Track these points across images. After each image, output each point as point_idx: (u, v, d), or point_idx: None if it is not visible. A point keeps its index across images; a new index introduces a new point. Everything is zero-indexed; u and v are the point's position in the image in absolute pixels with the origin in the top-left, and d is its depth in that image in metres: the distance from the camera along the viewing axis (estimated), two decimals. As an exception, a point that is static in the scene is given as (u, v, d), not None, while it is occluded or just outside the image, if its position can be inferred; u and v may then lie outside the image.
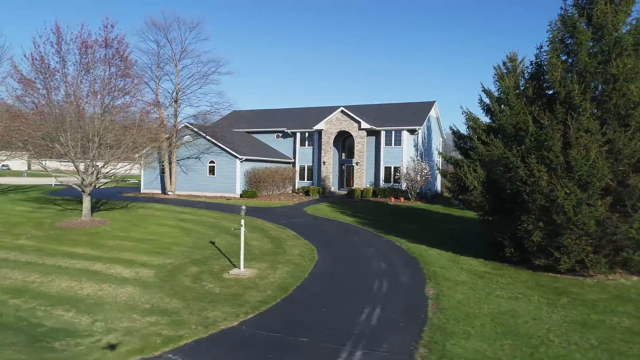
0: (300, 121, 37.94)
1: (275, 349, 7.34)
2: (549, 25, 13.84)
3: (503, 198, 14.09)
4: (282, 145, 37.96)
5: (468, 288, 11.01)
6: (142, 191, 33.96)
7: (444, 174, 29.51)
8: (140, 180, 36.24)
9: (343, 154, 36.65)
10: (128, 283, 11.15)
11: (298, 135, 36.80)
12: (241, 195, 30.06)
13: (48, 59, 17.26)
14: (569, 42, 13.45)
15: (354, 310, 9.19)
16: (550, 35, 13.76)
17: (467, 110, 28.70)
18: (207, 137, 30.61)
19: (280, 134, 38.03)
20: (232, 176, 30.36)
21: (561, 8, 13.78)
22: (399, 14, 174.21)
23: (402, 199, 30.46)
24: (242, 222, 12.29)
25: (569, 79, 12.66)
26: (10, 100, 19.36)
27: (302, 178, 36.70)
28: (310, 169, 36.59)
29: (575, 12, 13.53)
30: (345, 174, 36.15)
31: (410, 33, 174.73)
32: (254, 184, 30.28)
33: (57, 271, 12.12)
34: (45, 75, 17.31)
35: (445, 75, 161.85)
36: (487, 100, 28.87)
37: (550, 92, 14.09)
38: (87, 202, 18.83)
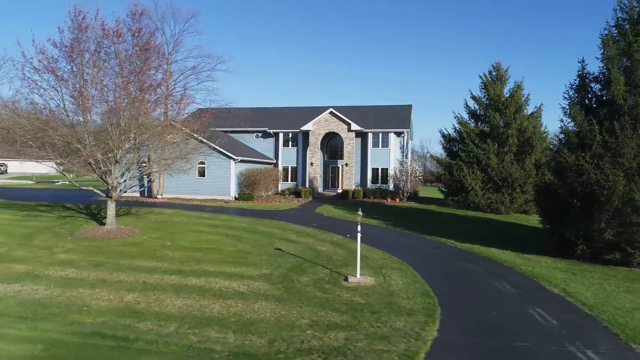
0: (282, 121, 37.17)
1: (508, 350, 7.33)
2: (602, 40, 15.20)
3: (562, 200, 15.26)
4: (261, 146, 36.87)
5: (583, 286, 11.75)
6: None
7: (437, 176, 30.92)
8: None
9: (326, 154, 36.64)
10: (253, 297, 10.25)
11: (281, 135, 36.01)
12: (237, 198, 28.71)
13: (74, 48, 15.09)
14: (625, 60, 14.92)
15: (517, 309, 9.43)
16: (604, 51, 15.16)
17: (458, 115, 30.42)
18: (199, 137, 28.71)
19: (260, 134, 36.91)
20: (226, 178, 28.85)
21: (612, 26, 15.23)
22: (374, 15, 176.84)
23: (397, 200, 31.30)
24: (359, 227, 11.90)
25: (635, 93, 14.07)
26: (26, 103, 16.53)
27: (285, 179, 35.99)
28: (294, 170, 36.02)
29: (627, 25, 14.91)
30: (331, 174, 36.19)
31: (383, 36, 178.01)
32: (249, 186, 29.09)
33: (152, 288, 10.75)
34: (75, 66, 15.11)
35: (418, 79, 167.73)
36: (474, 107, 30.79)
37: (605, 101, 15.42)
38: (112, 208, 16.76)
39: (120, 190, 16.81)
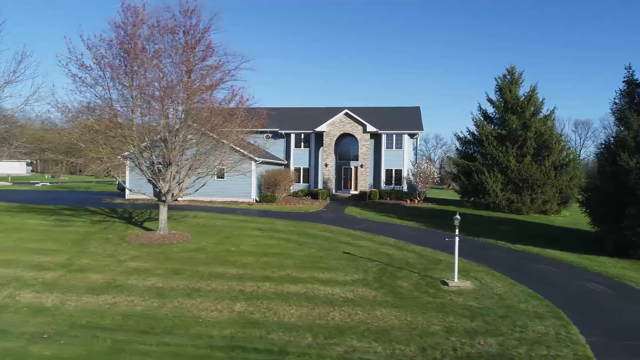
0: (292, 122, 36.67)
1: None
2: None
3: (620, 203, 15.62)
4: (272, 147, 36.26)
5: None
6: (127, 197, 29.75)
7: (454, 178, 31.25)
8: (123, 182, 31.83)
9: (337, 156, 36.42)
10: (367, 304, 9.94)
11: (292, 136, 35.54)
12: (259, 200, 28.09)
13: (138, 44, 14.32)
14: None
15: (632, 308, 9.55)
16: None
17: (476, 118, 30.78)
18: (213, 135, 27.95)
19: (270, 135, 36.30)
20: (247, 179, 28.14)
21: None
22: (382, 18, 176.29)
23: (415, 201, 31.43)
24: (457, 231, 11.78)
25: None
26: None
27: (297, 181, 35.52)
28: (306, 171, 35.61)
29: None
30: (343, 176, 35.98)
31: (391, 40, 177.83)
32: (270, 188, 28.53)
33: (255, 297, 10.26)
34: (136, 62, 14.34)
35: (426, 81, 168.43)
36: (489, 110, 31.31)
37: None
38: (164, 213, 16.00)
39: (174, 194, 16.07)
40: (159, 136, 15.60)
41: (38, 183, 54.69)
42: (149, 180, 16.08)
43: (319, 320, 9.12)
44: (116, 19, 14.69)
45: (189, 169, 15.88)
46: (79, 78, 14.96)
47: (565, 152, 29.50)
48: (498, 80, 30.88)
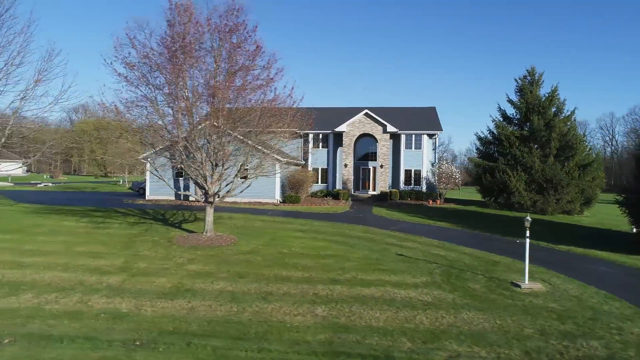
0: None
1: None
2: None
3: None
4: (288, 147, 35.98)
5: None
6: (147, 197, 29.40)
7: (477, 177, 31.23)
8: (145, 183, 31.59)
9: (355, 156, 36.26)
10: (449, 307, 9.77)
11: (310, 136, 35.34)
12: (284, 201, 27.88)
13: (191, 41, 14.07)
14: None
15: None
16: None
17: (496, 119, 30.79)
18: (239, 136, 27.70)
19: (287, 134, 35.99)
20: (271, 180, 27.88)
21: None
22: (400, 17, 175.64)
23: (438, 201, 31.38)
24: (527, 232, 11.67)
25: None
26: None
27: (315, 181, 35.33)
28: (324, 172, 35.43)
29: None
30: (362, 176, 35.84)
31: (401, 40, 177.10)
32: (294, 188, 28.33)
33: (332, 301, 10.06)
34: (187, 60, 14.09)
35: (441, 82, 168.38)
36: (509, 110, 31.34)
37: None
38: (210, 215, 15.74)
39: (221, 196, 15.82)
40: (205, 138, 15.37)
41: (40, 183, 53.98)
42: (195, 182, 15.82)
43: (407, 324, 8.94)
44: (168, 17, 14.41)
45: (239, 170, 15.65)
46: (125, 77, 14.70)
47: (587, 153, 29.59)
48: (518, 81, 30.94)
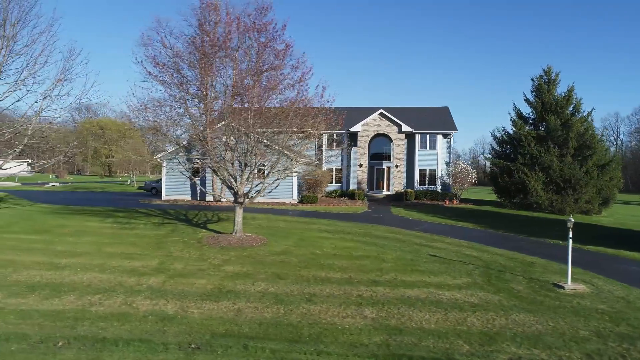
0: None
1: None
2: None
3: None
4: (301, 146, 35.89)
5: None
6: (164, 197, 29.33)
7: (493, 177, 31.09)
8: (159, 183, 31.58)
9: (369, 156, 36.15)
10: (498, 308, 9.66)
11: (324, 136, 35.24)
12: (301, 201, 27.79)
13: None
14: None
15: None
16: None
17: (514, 118, 30.63)
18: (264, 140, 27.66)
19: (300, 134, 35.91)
20: (288, 180, 27.82)
21: None
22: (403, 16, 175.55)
23: (454, 201, 31.26)
24: (570, 233, 11.55)
25: None
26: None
27: (330, 181, 35.23)
28: (338, 172, 35.33)
29: None
30: (375, 176, 35.73)
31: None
32: (311, 188, 28.24)
33: (377, 302, 9.96)
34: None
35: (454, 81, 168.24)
36: (525, 110, 31.19)
37: None
38: (240, 215, 15.66)
39: (252, 196, 15.73)
40: (235, 138, 15.28)
41: (47, 183, 53.83)
42: (223, 182, 15.73)
43: (459, 326, 8.84)
44: (199, 17, 14.32)
45: (270, 171, 15.58)
46: (154, 76, 14.62)
47: (605, 152, 29.44)
48: (535, 80, 30.78)
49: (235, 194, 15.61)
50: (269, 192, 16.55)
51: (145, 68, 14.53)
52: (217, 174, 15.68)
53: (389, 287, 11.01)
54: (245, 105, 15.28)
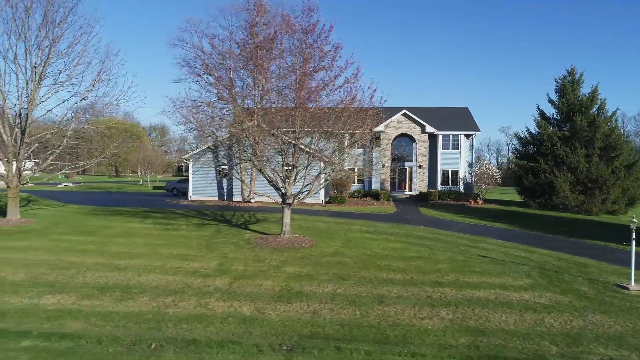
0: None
1: None
2: None
3: None
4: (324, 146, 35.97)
5: None
6: (190, 198, 29.45)
7: (517, 177, 31.10)
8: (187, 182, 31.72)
9: (391, 156, 36.22)
10: (571, 309, 9.73)
11: (347, 136, 35.24)
12: (329, 201, 27.87)
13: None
14: None
15: None
16: None
17: (537, 119, 30.64)
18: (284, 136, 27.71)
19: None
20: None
21: None
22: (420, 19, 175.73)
23: (479, 202, 31.30)
24: (633, 235, 11.61)
25: None
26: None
27: (353, 181, 35.29)
28: (360, 172, 35.35)
29: None
30: (398, 176, 35.79)
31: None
32: (338, 189, 28.31)
33: (448, 304, 10.02)
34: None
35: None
36: (548, 111, 31.16)
37: None
38: (288, 216, 15.77)
39: (300, 198, 15.83)
40: (284, 139, 15.38)
41: (59, 184, 53.64)
42: (270, 182, 15.81)
43: (539, 327, 8.90)
44: (247, 18, 14.41)
45: (321, 172, 15.68)
46: (204, 78, 14.72)
47: (630, 152, 29.42)
48: (558, 81, 30.77)
49: (283, 195, 15.69)
50: (315, 192, 16.63)
51: (194, 70, 14.63)
52: (263, 175, 15.76)
53: (454, 288, 11.07)
54: (292, 105, 15.38)
